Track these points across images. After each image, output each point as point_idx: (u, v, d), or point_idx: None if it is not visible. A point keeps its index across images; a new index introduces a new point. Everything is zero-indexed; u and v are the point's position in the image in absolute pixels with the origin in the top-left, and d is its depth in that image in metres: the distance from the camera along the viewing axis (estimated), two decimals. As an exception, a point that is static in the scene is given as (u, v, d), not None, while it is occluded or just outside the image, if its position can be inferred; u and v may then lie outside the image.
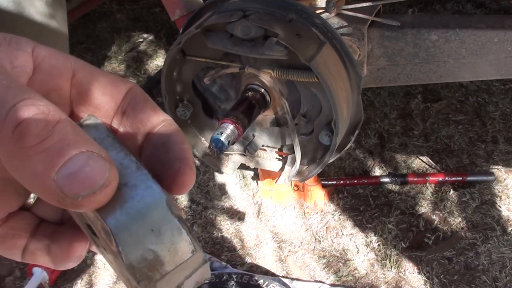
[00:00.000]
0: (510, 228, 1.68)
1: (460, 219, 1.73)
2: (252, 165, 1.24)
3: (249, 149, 1.21)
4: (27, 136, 0.27)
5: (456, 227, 1.71)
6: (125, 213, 0.30)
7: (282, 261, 1.69)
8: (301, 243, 1.73)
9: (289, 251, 1.72)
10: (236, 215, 1.84)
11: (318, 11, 1.14)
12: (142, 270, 0.30)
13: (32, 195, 0.36)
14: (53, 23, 1.18)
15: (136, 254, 0.30)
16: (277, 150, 1.21)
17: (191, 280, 0.32)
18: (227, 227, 1.81)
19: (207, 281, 1.54)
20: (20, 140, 0.27)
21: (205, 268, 0.33)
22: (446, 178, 1.81)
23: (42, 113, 0.28)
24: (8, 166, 0.28)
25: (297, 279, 1.62)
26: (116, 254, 0.30)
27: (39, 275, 1.61)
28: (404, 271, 1.61)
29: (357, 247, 1.69)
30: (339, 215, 1.79)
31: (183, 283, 0.32)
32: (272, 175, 1.67)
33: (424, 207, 1.78)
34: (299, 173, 1.16)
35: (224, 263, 1.65)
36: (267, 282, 1.55)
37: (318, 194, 1.79)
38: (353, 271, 1.64)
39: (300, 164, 1.13)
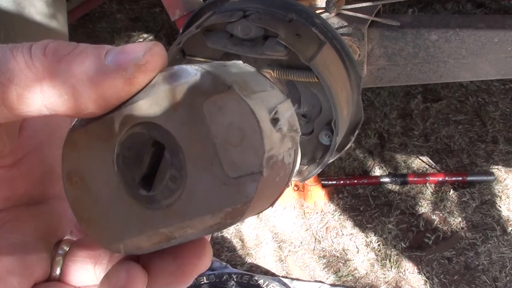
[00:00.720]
0: (510, 228, 1.68)
1: (460, 219, 1.73)
2: (252, 165, 1.24)
3: (249, 149, 1.21)
4: (60, 49, 0.27)
5: (456, 227, 1.71)
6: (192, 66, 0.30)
7: (282, 261, 1.69)
8: (301, 243, 1.73)
9: (289, 251, 1.72)
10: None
11: (318, 11, 1.14)
12: (230, 77, 0.28)
13: (58, 269, 0.33)
14: (53, 23, 1.18)
15: (217, 71, 0.28)
16: (277, 150, 1.20)
17: (283, 109, 0.30)
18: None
19: (207, 281, 1.54)
20: (55, 54, 0.27)
21: (288, 103, 0.31)
22: (446, 178, 1.81)
23: (57, 40, 0.28)
24: (55, 90, 0.27)
25: (297, 279, 1.62)
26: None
27: None
28: (404, 271, 1.61)
29: (357, 247, 1.69)
30: (339, 215, 1.79)
31: (276, 107, 0.29)
32: (272, 175, 1.67)
33: (424, 207, 1.78)
34: (299, 173, 1.16)
35: (224, 263, 1.65)
36: (267, 282, 1.55)
37: (318, 194, 1.79)
38: (353, 271, 1.63)
39: (300, 164, 1.13)
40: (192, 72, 0.28)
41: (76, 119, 0.31)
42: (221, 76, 0.28)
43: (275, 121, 0.29)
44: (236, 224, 0.28)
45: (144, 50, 0.28)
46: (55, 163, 0.34)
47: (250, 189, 0.28)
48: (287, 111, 0.30)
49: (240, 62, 0.32)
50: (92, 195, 0.31)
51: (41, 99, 0.27)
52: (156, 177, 0.30)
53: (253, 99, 0.28)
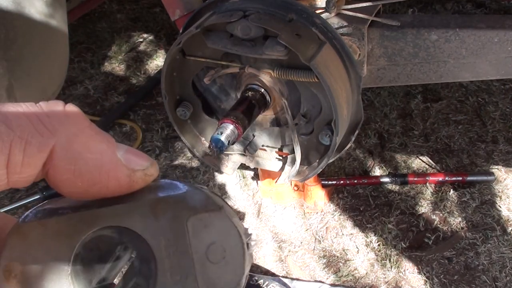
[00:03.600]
0: (510, 228, 1.68)
1: (460, 219, 1.73)
2: (252, 165, 1.24)
3: (249, 149, 1.21)
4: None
5: (456, 227, 1.71)
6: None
7: (282, 261, 1.69)
8: (301, 243, 1.73)
9: (289, 251, 1.72)
10: (236, 215, 1.84)
11: (318, 11, 1.14)
12: (219, 199, 0.31)
13: None
14: (53, 23, 1.18)
15: (206, 190, 0.31)
16: (277, 150, 1.21)
17: (250, 235, 0.32)
18: (227, 227, 1.81)
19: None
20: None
21: (246, 228, 0.33)
22: (446, 178, 1.81)
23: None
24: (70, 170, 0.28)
25: (297, 279, 1.62)
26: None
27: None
28: (404, 271, 1.61)
29: (357, 247, 1.69)
30: (339, 215, 1.79)
31: (249, 232, 0.32)
32: (272, 175, 1.67)
33: (424, 207, 1.78)
34: (299, 173, 1.16)
35: (224, 263, 1.65)
36: (267, 282, 1.55)
37: (318, 194, 1.79)
38: (353, 271, 1.63)
39: (300, 164, 1.13)
40: (182, 187, 0.30)
41: (30, 210, 0.30)
42: (212, 196, 0.30)
43: (248, 245, 0.31)
44: None
45: (151, 162, 0.29)
46: None
47: None
48: (251, 235, 0.32)
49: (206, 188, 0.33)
50: None
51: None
52: (117, 283, 0.29)
53: (235, 221, 0.30)
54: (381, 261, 1.64)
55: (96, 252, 0.29)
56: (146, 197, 0.29)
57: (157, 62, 2.54)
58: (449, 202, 1.78)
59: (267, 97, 1.08)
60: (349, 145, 1.17)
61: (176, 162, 2.03)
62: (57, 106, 0.28)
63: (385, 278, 1.60)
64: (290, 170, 1.17)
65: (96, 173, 0.28)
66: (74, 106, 0.29)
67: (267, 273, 1.66)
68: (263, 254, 1.72)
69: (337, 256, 1.68)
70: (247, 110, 1.04)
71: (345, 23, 1.15)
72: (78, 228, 0.29)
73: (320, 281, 1.61)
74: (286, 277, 1.62)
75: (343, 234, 1.74)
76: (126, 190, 0.29)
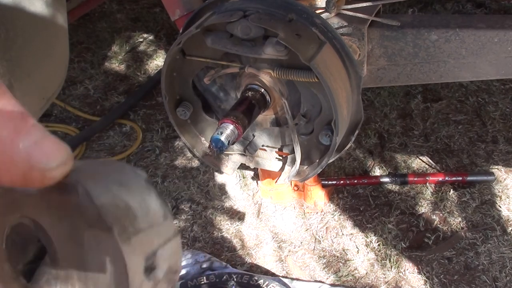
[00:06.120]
0: (510, 228, 1.68)
1: (460, 219, 1.73)
2: (252, 165, 1.24)
3: (249, 149, 1.21)
4: None
5: (456, 227, 1.71)
6: (88, 172, 0.28)
7: (282, 261, 1.69)
8: (301, 243, 1.73)
9: (289, 251, 1.72)
10: (236, 215, 1.84)
11: (318, 11, 1.14)
12: (115, 214, 0.27)
13: None
14: (53, 23, 1.18)
15: (107, 197, 0.27)
16: (277, 150, 1.21)
17: (166, 253, 0.29)
18: (227, 227, 1.81)
19: (207, 281, 1.54)
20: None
21: (177, 242, 0.29)
22: (446, 178, 1.81)
23: None
24: None
25: (297, 279, 1.62)
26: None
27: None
28: (404, 271, 1.61)
29: (357, 247, 1.69)
30: (339, 215, 1.79)
31: (157, 251, 0.28)
32: (272, 175, 1.67)
33: (424, 207, 1.78)
34: (299, 173, 1.16)
35: (224, 263, 1.65)
36: (267, 282, 1.55)
37: (318, 194, 1.79)
38: (353, 271, 1.63)
39: (300, 164, 1.13)
40: (82, 192, 0.27)
41: None
42: (105, 213, 0.27)
43: (150, 269, 0.28)
44: None
45: (62, 162, 0.26)
46: None
47: None
48: (170, 254, 0.29)
49: (145, 176, 0.30)
50: None
51: None
52: (36, 272, 0.29)
53: (132, 244, 0.27)
54: (381, 261, 1.64)
55: (21, 237, 0.29)
56: (53, 194, 0.28)
57: (157, 62, 2.54)
58: (449, 202, 1.78)
59: (267, 97, 1.09)
60: (349, 145, 1.17)
61: (176, 162, 2.03)
62: None
63: (385, 278, 1.60)
64: (290, 170, 1.17)
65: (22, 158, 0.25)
66: None
67: (267, 273, 1.66)
68: (263, 254, 1.72)
69: (337, 256, 1.68)
70: (247, 110, 1.04)
71: (345, 23, 1.15)
72: (6, 206, 0.29)
73: (320, 281, 1.61)
74: (286, 277, 1.62)
75: (343, 234, 1.74)
76: (21, 186, 0.26)
